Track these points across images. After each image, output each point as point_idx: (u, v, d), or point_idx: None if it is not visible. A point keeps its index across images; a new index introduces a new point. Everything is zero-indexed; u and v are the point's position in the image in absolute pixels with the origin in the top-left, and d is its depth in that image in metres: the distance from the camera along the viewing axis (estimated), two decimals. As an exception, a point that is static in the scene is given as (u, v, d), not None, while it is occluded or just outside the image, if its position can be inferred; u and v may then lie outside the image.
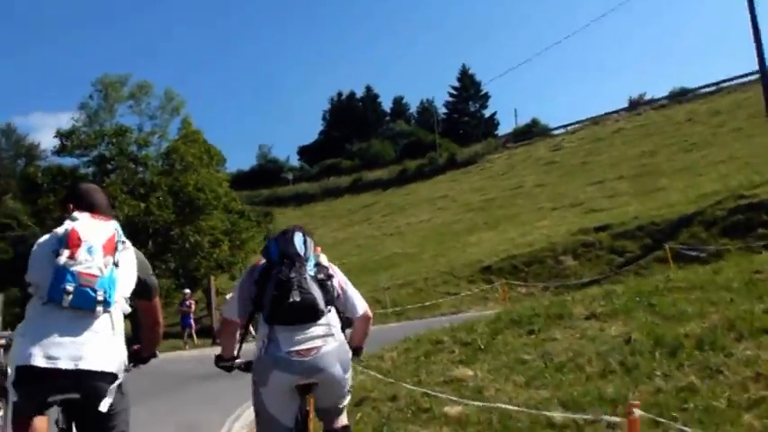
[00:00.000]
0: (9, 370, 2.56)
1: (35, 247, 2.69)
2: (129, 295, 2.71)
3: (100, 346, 2.53)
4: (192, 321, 19.73)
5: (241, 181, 47.73)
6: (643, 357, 5.32)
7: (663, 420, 3.67)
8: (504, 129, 64.65)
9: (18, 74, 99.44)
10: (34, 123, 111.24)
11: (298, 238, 3.14)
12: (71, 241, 2.58)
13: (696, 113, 40.12)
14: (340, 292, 3.22)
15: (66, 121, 75.16)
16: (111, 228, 2.73)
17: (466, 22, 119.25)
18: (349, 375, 3.11)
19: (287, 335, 2.95)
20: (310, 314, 2.98)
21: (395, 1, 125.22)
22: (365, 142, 62.35)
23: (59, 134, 25.58)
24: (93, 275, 2.54)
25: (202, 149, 25.74)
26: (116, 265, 2.64)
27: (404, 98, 75.51)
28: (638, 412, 3.16)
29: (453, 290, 21.76)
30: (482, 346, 7.22)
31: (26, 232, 29.66)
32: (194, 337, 19.65)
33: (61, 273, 2.51)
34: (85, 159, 25.87)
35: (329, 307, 3.07)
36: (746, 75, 40.91)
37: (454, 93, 68.69)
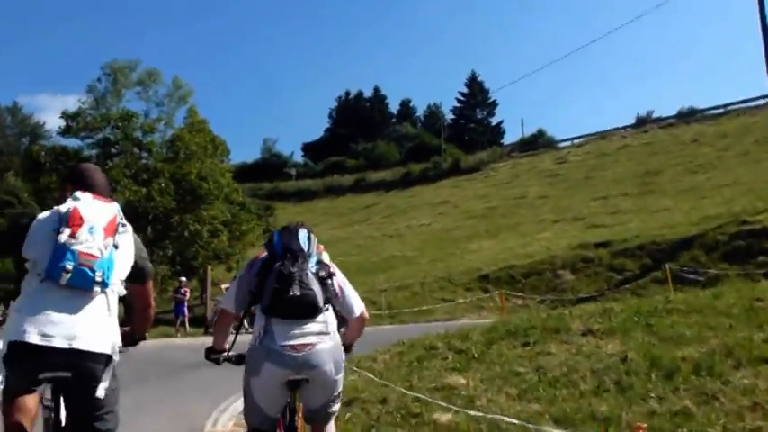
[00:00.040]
0: (0, 344, 2.53)
1: (35, 222, 2.67)
2: (124, 278, 2.70)
3: (95, 327, 2.52)
4: (185, 309, 19.64)
5: (244, 173, 47.67)
6: (638, 378, 5.26)
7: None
8: (509, 138, 64.79)
9: (27, 54, 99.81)
10: (40, 103, 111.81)
11: (302, 234, 3.14)
12: (73, 220, 2.57)
13: (703, 135, 40.07)
14: (339, 291, 3.21)
15: (72, 103, 75.43)
16: (112, 209, 2.73)
17: (478, 29, 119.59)
18: (340, 378, 3.07)
19: (283, 328, 2.94)
20: (309, 310, 2.97)
21: (408, 3, 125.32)
22: (370, 143, 62.37)
23: (65, 115, 25.56)
24: (93, 255, 2.53)
25: (207, 139, 25.72)
26: (116, 247, 2.63)
27: (411, 101, 75.79)
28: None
29: (449, 296, 21.69)
30: (476, 355, 7.16)
31: (26, 210, 29.67)
32: (187, 325, 19.56)
33: (61, 250, 2.50)
34: (90, 142, 25.85)
35: (327, 305, 3.06)
36: (755, 99, 40.93)
37: (462, 99, 68.76)
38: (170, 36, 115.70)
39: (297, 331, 2.94)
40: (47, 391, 2.66)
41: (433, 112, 70.82)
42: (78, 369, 2.46)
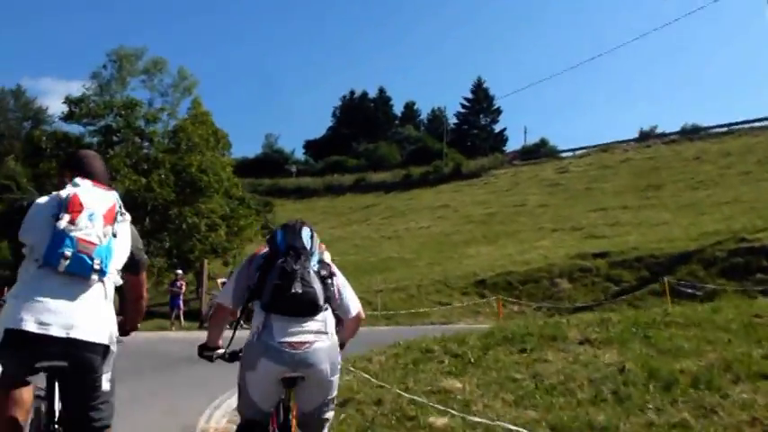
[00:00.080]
0: None
1: (33, 206, 2.62)
2: (120, 268, 2.66)
3: (92, 316, 2.47)
4: (181, 303, 19.54)
5: (245, 168, 47.45)
6: (636, 389, 5.23)
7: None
8: (511, 145, 64.95)
9: (31, 37, 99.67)
10: (44, 88, 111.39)
11: (305, 232, 3.12)
12: (72, 206, 2.52)
13: (706, 152, 40.14)
14: (338, 292, 3.18)
15: (75, 89, 75.26)
16: (112, 198, 2.70)
17: (485, 36, 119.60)
18: (336, 380, 3.04)
19: (282, 324, 2.92)
20: (309, 308, 2.95)
21: (418, 7, 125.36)
22: (372, 143, 62.35)
23: (68, 101, 25.40)
24: (92, 243, 2.49)
25: (210, 131, 25.62)
26: (114, 235, 2.59)
27: (416, 104, 75.76)
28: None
29: (445, 300, 21.68)
30: (472, 360, 7.12)
31: (24, 195, 29.54)
32: (182, 318, 19.48)
33: (60, 237, 2.45)
34: (92, 128, 25.70)
35: (326, 305, 3.04)
36: (760, 120, 41.04)
37: (466, 104, 68.84)
38: (172, 30, 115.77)
39: (296, 329, 2.91)
40: (39, 380, 2.61)
41: (437, 116, 70.90)
42: (75, 359, 2.42)
